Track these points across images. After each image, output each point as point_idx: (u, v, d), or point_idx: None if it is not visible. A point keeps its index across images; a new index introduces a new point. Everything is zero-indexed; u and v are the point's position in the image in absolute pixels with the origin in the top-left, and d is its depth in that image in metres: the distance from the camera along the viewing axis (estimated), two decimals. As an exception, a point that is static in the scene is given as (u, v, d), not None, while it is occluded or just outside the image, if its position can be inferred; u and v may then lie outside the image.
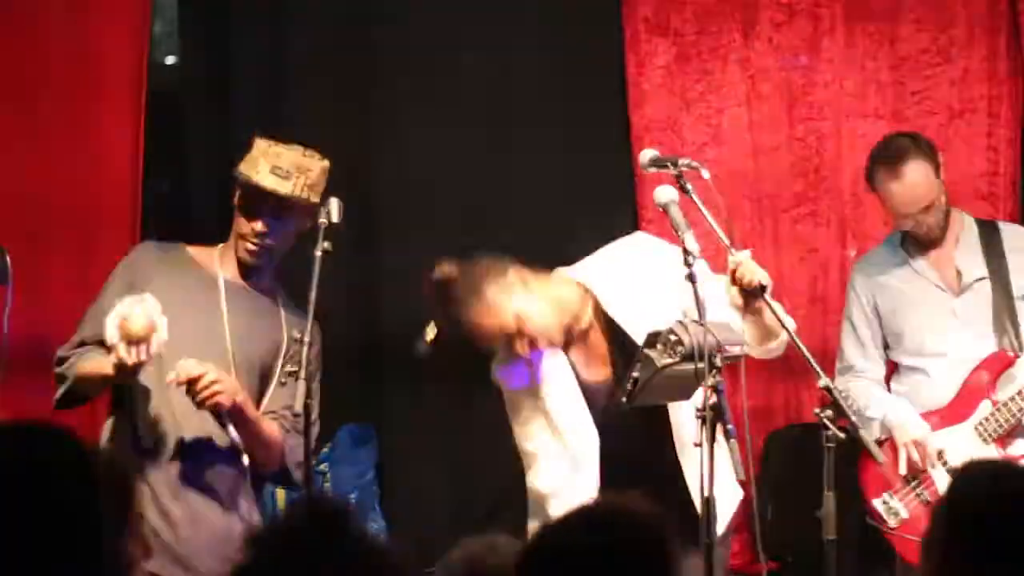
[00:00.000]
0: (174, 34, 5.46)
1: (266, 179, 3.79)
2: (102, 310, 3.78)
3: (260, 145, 3.85)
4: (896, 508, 4.45)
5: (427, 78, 5.31)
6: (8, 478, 2.07)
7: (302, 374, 3.54)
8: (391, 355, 5.34)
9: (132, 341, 3.56)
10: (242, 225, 3.86)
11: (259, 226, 3.83)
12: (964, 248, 4.53)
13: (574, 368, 3.84)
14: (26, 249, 4.65)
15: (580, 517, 2.24)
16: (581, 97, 5.32)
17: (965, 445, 4.40)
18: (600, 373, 3.86)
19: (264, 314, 3.92)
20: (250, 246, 3.86)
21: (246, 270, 3.92)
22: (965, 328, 4.48)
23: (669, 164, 3.72)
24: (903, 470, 4.42)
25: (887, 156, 4.45)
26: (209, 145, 5.20)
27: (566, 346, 3.83)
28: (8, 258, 4.26)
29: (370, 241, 5.25)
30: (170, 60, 5.52)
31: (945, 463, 4.41)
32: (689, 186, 3.65)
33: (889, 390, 4.57)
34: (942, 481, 4.40)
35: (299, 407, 3.54)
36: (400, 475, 5.34)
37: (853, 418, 3.52)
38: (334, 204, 3.71)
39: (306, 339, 3.55)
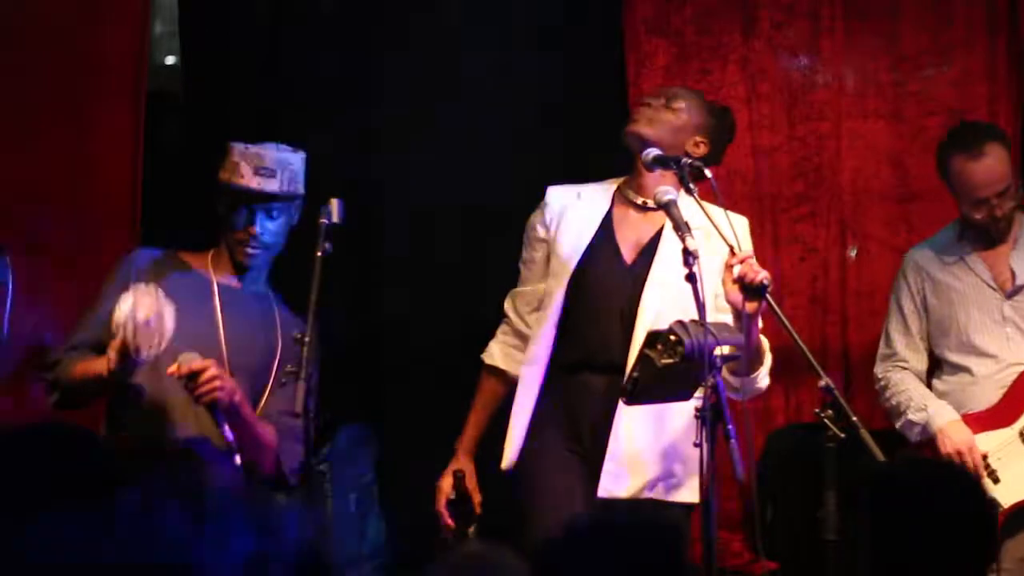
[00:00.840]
0: (174, 34, 5.46)
1: (252, 180, 3.83)
2: (97, 315, 3.79)
3: (237, 149, 3.90)
4: None
5: (427, 77, 5.31)
6: (40, 479, 2.06)
7: (302, 374, 3.54)
8: (391, 355, 5.35)
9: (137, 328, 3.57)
10: (236, 231, 3.89)
11: (254, 228, 3.86)
12: (1021, 249, 4.46)
13: (611, 227, 3.95)
14: (26, 249, 4.65)
15: None
16: (581, 97, 5.32)
17: (1009, 450, 4.35)
18: (628, 250, 3.94)
19: (259, 317, 3.93)
20: (249, 250, 3.89)
21: (242, 274, 3.94)
22: (1014, 331, 4.42)
23: (672, 163, 3.73)
24: None
25: (965, 138, 4.40)
26: (209, 146, 5.20)
27: (620, 207, 3.97)
28: (8, 257, 4.26)
29: (370, 241, 5.25)
30: (170, 60, 5.53)
31: (988, 467, 4.35)
32: (692, 185, 3.66)
33: (930, 386, 4.51)
34: (986, 487, 4.31)
35: (299, 408, 3.54)
36: (400, 475, 5.34)
37: (853, 418, 3.52)
38: (335, 204, 3.71)
39: (307, 339, 3.55)
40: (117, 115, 4.96)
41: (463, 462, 4.06)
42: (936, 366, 4.54)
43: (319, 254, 3.65)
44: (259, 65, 5.30)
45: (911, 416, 4.41)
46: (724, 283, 3.60)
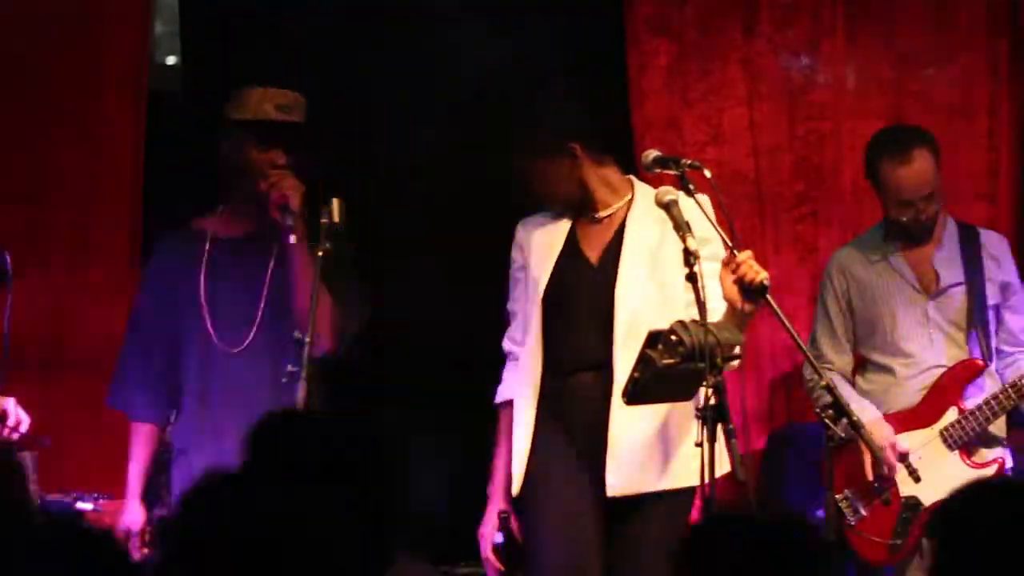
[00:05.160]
0: (174, 34, 5.46)
1: (276, 114, 4.01)
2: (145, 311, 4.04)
3: (256, 93, 4.09)
4: (857, 505, 4.46)
5: (428, 76, 5.30)
6: None
7: (303, 374, 3.53)
8: (391, 357, 5.34)
9: None
10: (258, 168, 3.93)
11: (279, 158, 3.93)
12: (944, 251, 4.54)
13: (575, 240, 3.95)
14: (26, 249, 4.65)
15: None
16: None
17: (929, 449, 4.44)
18: (593, 254, 3.94)
19: (248, 254, 3.99)
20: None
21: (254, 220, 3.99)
22: (937, 332, 4.49)
23: (672, 164, 3.73)
24: (868, 473, 4.41)
25: (894, 142, 4.46)
26: (209, 145, 5.19)
27: (580, 216, 3.98)
28: (8, 258, 4.26)
29: (370, 242, 5.24)
30: (170, 60, 5.52)
31: (908, 466, 4.42)
32: (692, 186, 3.66)
33: (854, 385, 4.58)
34: (904, 483, 4.43)
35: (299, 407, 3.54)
36: (400, 475, 5.32)
37: (853, 417, 3.53)
38: (335, 204, 3.70)
39: (307, 339, 3.55)
40: (117, 115, 4.96)
41: (503, 505, 3.99)
42: (861, 365, 4.63)
43: (319, 253, 3.65)
44: (259, 66, 5.29)
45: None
46: (723, 282, 3.60)
